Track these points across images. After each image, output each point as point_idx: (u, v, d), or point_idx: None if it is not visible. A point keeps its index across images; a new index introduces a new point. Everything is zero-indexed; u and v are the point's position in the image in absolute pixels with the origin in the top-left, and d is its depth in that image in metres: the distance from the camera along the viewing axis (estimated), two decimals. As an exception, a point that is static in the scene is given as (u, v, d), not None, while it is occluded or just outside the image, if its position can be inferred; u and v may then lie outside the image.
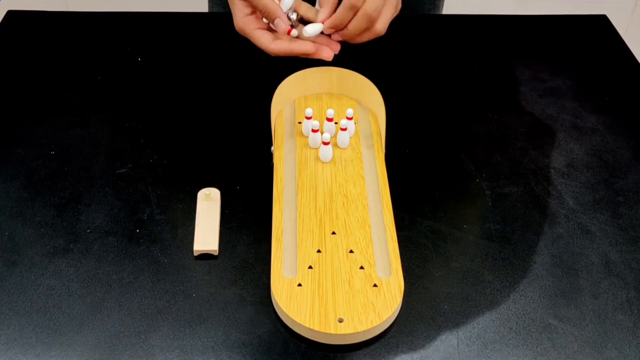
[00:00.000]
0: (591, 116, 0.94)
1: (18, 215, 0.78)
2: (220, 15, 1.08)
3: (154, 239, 0.76)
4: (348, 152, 0.81)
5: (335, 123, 0.82)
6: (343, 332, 0.64)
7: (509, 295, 0.71)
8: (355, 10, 0.77)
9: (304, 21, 0.82)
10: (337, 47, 0.82)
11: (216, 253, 0.74)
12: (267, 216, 0.76)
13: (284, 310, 0.66)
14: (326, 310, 0.65)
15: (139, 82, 0.97)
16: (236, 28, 0.82)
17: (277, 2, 0.80)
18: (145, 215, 0.78)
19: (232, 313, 0.69)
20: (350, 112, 0.81)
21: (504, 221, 0.79)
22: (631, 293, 0.72)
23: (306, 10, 0.82)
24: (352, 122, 0.82)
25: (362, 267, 0.69)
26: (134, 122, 0.90)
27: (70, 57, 1.01)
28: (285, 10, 0.80)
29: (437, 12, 1.20)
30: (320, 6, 0.81)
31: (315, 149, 0.81)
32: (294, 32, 0.81)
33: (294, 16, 0.81)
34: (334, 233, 0.72)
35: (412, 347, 0.67)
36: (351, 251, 0.70)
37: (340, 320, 0.65)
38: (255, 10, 0.81)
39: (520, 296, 0.71)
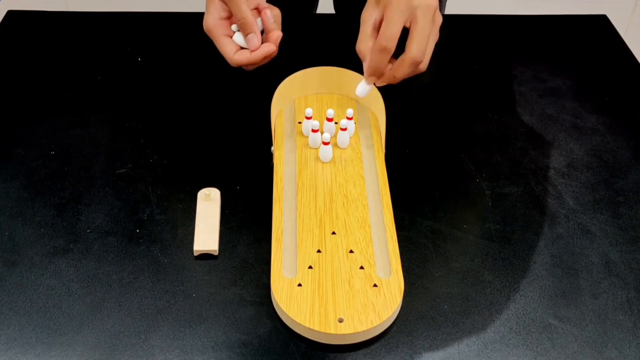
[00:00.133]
0: (591, 116, 0.94)
1: (18, 215, 0.78)
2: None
3: (154, 239, 0.76)
4: (348, 152, 0.81)
5: (335, 123, 0.82)
6: (343, 332, 0.64)
7: (509, 295, 0.71)
8: (415, 65, 0.76)
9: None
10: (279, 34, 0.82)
11: (216, 253, 0.74)
12: (267, 216, 0.76)
13: (284, 310, 0.66)
14: (326, 310, 0.65)
15: (139, 82, 0.97)
16: (205, 27, 0.81)
17: (254, 17, 0.80)
18: (145, 215, 0.78)
19: (232, 313, 0.69)
20: (350, 112, 0.81)
21: (504, 221, 0.79)
22: (631, 293, 0.72)
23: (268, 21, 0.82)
24: (352, 122, 0.82)
25: (362, 267, 0.69)
26: (134, 122, 0.90)
27: (70, 57, 1.01)
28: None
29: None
30: (363, 59, 0.79)
31: (315, 149, 0.81)
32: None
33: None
34: (334, 233, 0.72)
35: (412, 347, 0.67)
36: (351, 251, 0.70)
37: (340, 320, 0.65)
38: (230, 16, 0.81)
39: (520, 296, 0.71)
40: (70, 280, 0.71)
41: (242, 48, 0.81)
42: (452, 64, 1.02)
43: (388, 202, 0.76)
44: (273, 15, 0.82)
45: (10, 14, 1.09)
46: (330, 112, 0.81)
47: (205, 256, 0.74)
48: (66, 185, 0.81)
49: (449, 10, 1.26)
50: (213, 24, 0.81)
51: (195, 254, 0.74)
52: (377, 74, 0.77)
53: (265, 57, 0.80)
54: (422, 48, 0.75)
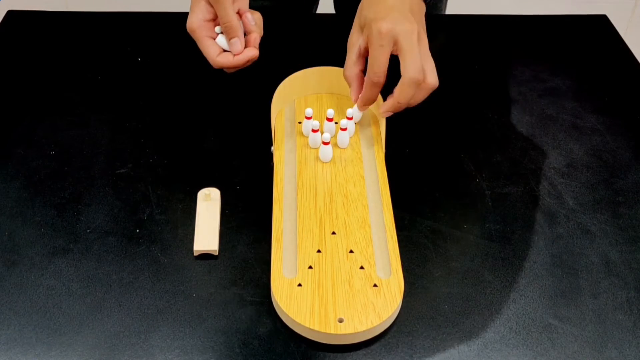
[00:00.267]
0: (591, 116, 0.94)
1: (18, 215, 0.78)
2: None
3: (154, 239, 0.76)
4: (348, 152, 0.81)
5: (335, 123, 0.82)
6: (343, 332, 0.64)
7: (509, 295, 0.71)
8: (416, 84, 0.77)
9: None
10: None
11: (216, 253, 0.74)
12: (267, 216, 0.76)
13: (284, 310, 0.66)
14: (326, 310, 0.65)
15: (139, 82, 0.97)
16: (188, 26, 0.82)
17: (239, 21, 0.82)
18: (145, 215, 0.78)
19: (232, 313, 0.69)
20: (350, 112, 0.81)
21: (504, 221, 0.79)
22: (631, 293, 0.72)
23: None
24: (352, 122, 0.82)
25: (362, 267, 0.69)
26: (134, 122, 0.90)
27: (70, 57, 1.01)
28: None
29: (438, 13, 1.20)
30: (349, 85, 0.83)
31: (315, 149, 0.81)
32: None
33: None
34: (334, 233, 0.72)
35: (412, 347, 0.67)
36: (351, 251, 0.70)
37: (340, 320, 0.65)
38: (214, 18, 0.82)
39: (520, 296, 0.71)
40: (70, 280, 0.71)
41: (224, 50, 0.82)
42: (452, 64, 1.02)
43: (388, 202, 0.76)
44: (254, 19, 0.84)
45: (10, 14, 1.09)
46: (330, 112, 0.81)
47: (205, 256, 0.74)
48: (66, 185, 0.81)
49: (449, 10, 1.26)
50: (197, 24, 0.82)
51: (195, 254, 0.74)
52: (369, 104, 0.81)
53: (247, 61, 0.82)
54: (416, 67, 0.76)
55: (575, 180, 0.84)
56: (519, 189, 0.83)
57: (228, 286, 0.71)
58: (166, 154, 0.86)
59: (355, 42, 0.81)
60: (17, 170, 0.83)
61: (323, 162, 0.79)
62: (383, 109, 0.80)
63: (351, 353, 0.66)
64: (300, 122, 0.84)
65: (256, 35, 0.83)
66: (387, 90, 0.80)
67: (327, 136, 0.78)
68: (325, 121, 0.82)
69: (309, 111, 0.81)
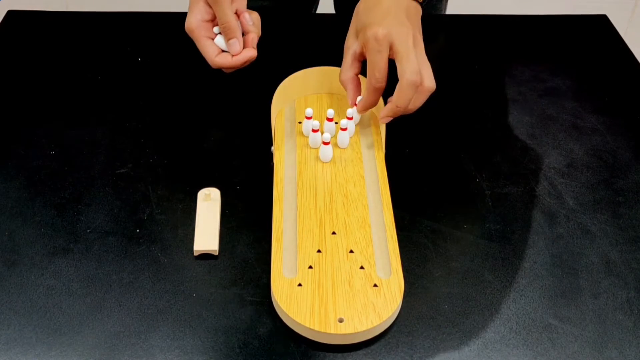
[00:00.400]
0: (591, 116, 0.94)
1: (18, 215, 0.78)
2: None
3: (154, 239, 0.76)
4: (348, 152, 0.81)
5: (336, 123, 0.82)
6: (343, 332, 0.64)
7: (509, 295, 0.71)
8: (414, 86, 0.77)
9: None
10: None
11: (216, 253, 0.74)
12: (267, 216, 0.76)
13: (284, 310, 0.66)
14: (326, 310, 0.65)
15: (139, 82, 0.97)
16: (186, 27, 0.83)
17: (237, 22, 0.82)
18: (145, 215, 0.78)
19: (232, 313, 0.69)
20: (350, 112, 0.81)
21: (504, 221, 0.79)
22: (631, 293, 0.72)
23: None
24: (352, 122, 0.82)
25: (362, 267, 0.69)
26: (134, 122, 0.90)
27: (71, 57, 1.01)
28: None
29: (438, 13, 1.20)
30: (345, 89, 0.83)
31: (315, 149, 0.81)
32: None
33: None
34: (334, 233, 0.72)
35: (412, 347, 0.67)
36: (351, 251, 0.70)
37: (341, 320, 0.65)
38: (213, 19, 0.83)
39: (520, 296, 0.71)
40: (70, 280, 0.71)
41: (223, 51, 0.83)
42: (452, 64, 1.02)
43: (388, 202, 0.76)
44: (252, 19, 0.84)
45: (10, 14, 1.09)
46: (330, 112, 0.81)
47: (205, 256, 0.74)
48: (66, 185, 0.81)
49: (449, 10, 1.26)
50: (196, 25, 0.82)
51: (195, 254, 0.74)
52: (370, 108, 0.82)
53: (245, 62, 0.83)
54: (413, 69, 0.77)
55: (575, 180, 0.84)
56: (518, 189, 0.83)
57: (228, 286, 0.71)
58: (166, 154, 0.86)
59: (350, 46, 0.82)
60: (17, 170, 0.83)
61: (323, 162, 0.79)
62: (382, 114, 0.80)
63: (351, 353, 0.66)
64: (300, 122, 0.84)
65: (254, 35, 0.84)
66: (386, 94, 0.80)
67: (327, 136, 0.78)
68: (326, 121, 0.82)
69: (309, 111, 0.81)
